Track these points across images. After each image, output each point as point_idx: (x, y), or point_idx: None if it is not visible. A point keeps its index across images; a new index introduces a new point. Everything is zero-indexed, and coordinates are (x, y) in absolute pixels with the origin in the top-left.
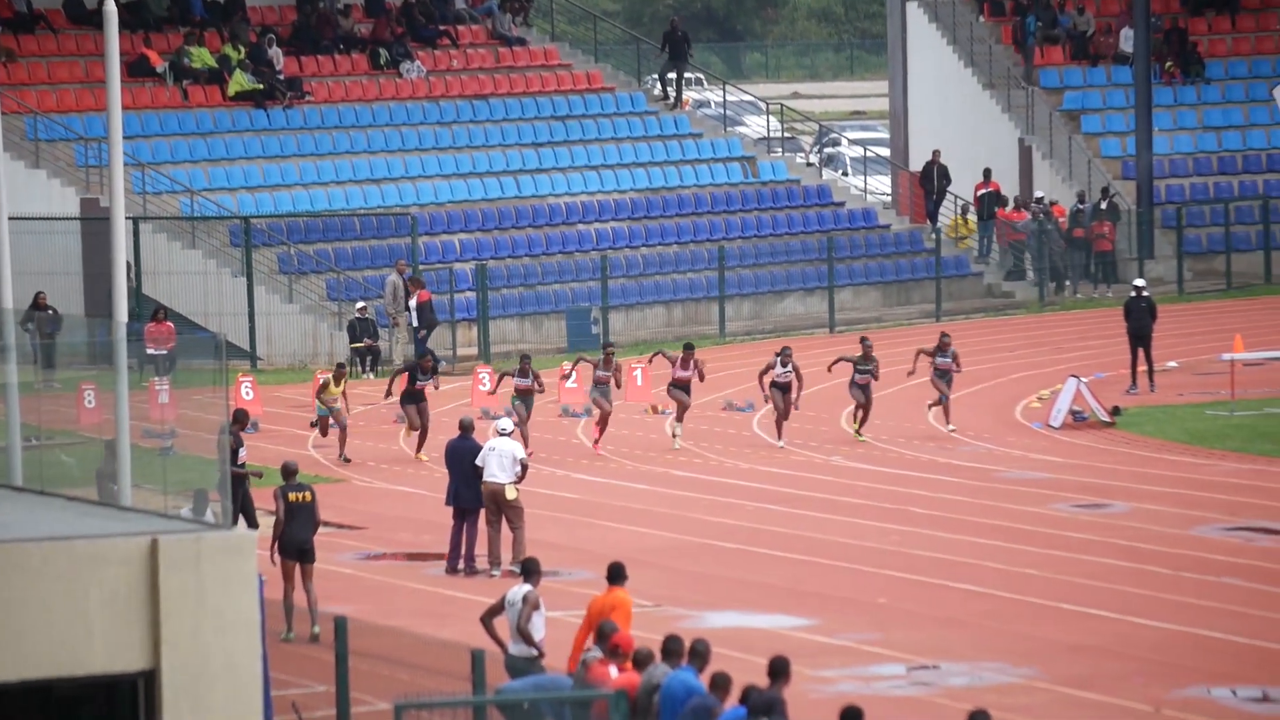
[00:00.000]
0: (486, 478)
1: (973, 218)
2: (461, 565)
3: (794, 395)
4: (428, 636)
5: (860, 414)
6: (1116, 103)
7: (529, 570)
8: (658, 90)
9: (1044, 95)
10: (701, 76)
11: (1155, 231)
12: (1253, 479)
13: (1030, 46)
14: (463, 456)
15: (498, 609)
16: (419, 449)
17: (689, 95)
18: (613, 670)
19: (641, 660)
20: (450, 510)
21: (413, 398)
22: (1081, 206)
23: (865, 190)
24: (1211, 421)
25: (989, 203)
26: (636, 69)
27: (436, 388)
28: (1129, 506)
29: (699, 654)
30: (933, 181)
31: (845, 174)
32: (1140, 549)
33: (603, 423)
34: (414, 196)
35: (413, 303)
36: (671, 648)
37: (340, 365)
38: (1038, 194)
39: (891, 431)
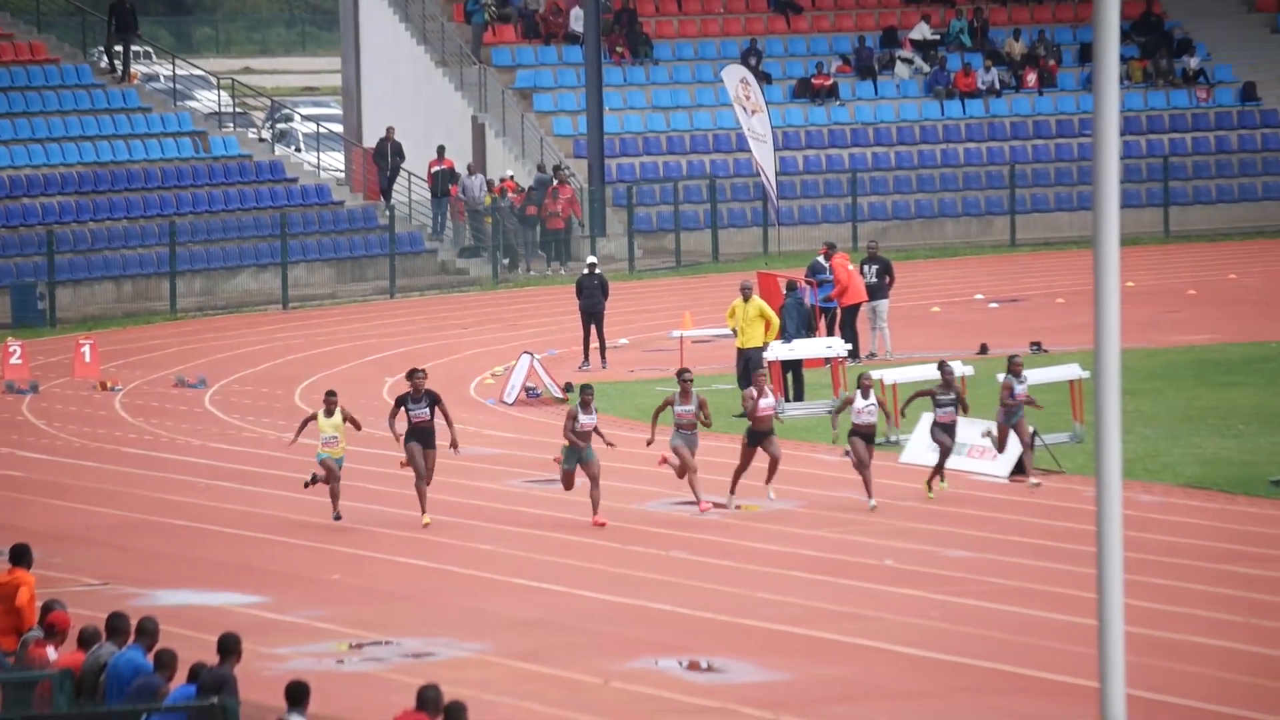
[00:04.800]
0: None
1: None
2: None
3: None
4: None
5: (939, 462)
6: (568, 82)
7: None
8: (104, 63)
9: (496, 73)
10: (150, 50)
11: (607, 210)
12: (701, 454)
13: (481, 25)
14: None
15: None
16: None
17: (137, 69)
18: (51, 651)
19: (87, 639)
20: None
21: (418, 435)
22: (549, 178)
23: (319, 167)
24: (661, 398)
25: (443, 180)
26: (82, 41)
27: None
28: (581, 481)
29: (147, 632)
30: (386, 158)
31: (298, 150)
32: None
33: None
34: None
35: None
36: (117, 626)
37: (330, 394)
38: (507, 173)
39: (346, 407)
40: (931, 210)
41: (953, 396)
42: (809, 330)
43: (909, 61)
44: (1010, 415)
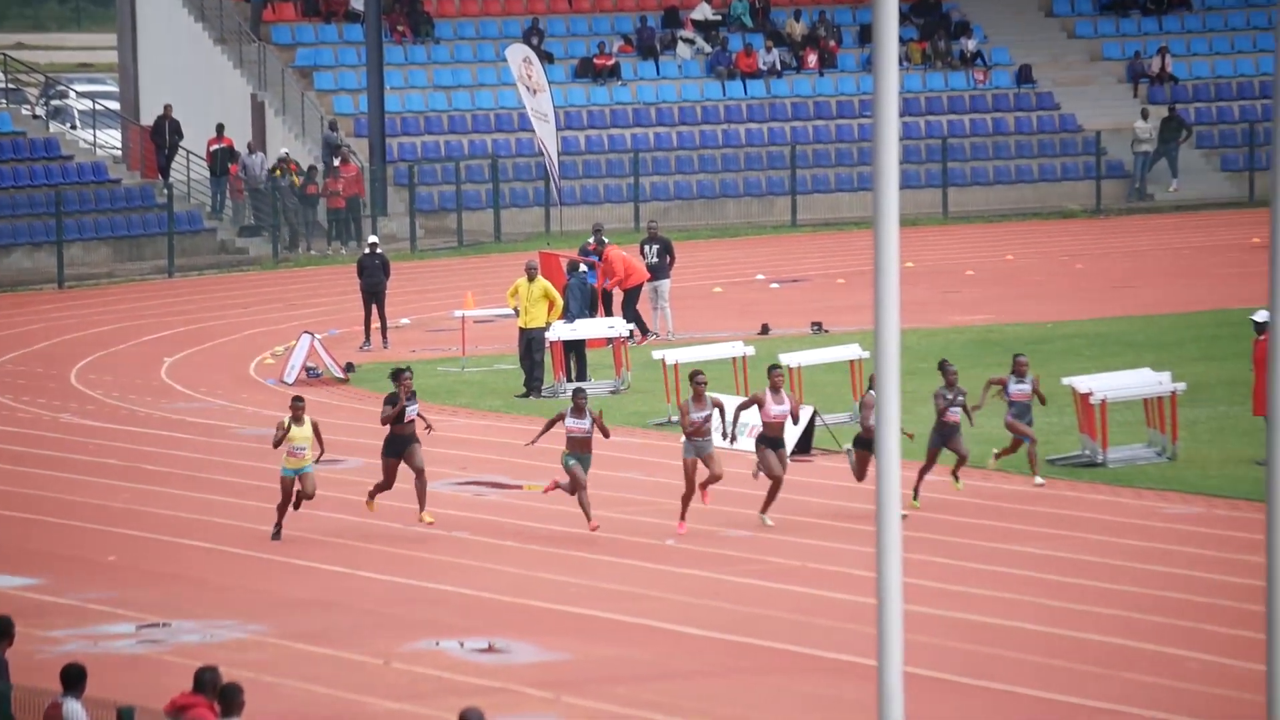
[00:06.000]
0: None
1: None
2: None
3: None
4: None
5: (959, 463)
6: (349, 60)
7: None
8: None
9: (276, 51)
10: None
11: (388, 189)
12: (483, 434)
13: (260, 2)
14: None
15: None
16: (422, 506)
17: None
18: None
19: None
20: None
21: (396, 446)
22: (336, 138)
23: (95, 144)
24: (443, 378)
25: (222, 158)
26: None
27: (426, 427)
28: (361, 462)
29: None
30: (164, 136)
31: (74, 127)
32: None
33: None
34: None
35: None
36: None
37: (298, 400)
38: (282, 151)
39: (124, 388)
40: (713, 190)
41: (959, 398)
42: (591, 310)
43: (690, 42)
44: (1022, 414)
